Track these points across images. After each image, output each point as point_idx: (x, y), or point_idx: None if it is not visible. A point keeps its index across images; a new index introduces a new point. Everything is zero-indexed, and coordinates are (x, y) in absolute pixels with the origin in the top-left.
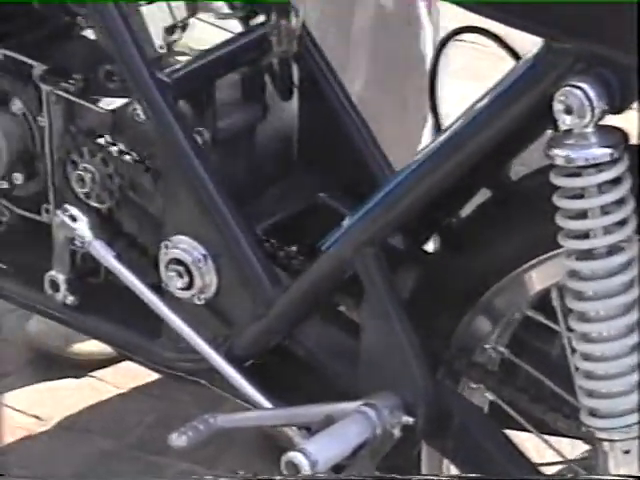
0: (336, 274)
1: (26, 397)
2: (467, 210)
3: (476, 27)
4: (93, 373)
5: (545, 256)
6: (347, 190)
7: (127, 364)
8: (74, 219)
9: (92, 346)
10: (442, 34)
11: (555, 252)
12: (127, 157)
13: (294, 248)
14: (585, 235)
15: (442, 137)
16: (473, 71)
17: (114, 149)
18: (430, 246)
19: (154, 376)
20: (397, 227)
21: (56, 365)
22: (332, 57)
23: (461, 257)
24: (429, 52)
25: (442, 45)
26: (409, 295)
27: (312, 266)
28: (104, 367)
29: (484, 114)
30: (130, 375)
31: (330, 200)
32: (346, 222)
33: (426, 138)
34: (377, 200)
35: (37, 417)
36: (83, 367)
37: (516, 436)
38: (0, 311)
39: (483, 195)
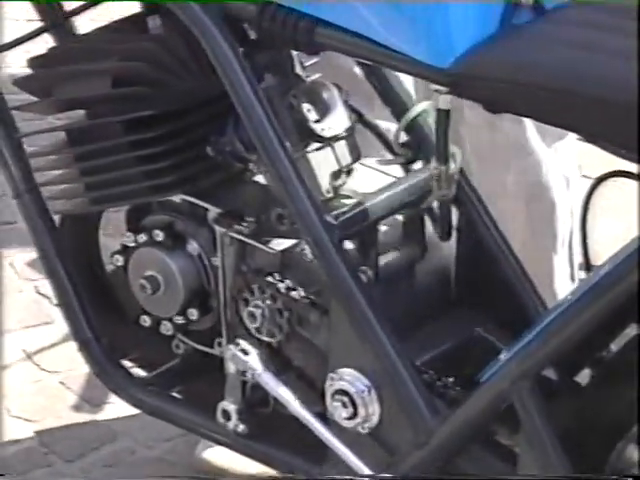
0: (493, 406)
1: None
2: (618, 343)
3: (627, 172)
4: None
5: None
6: (502, 324)
7: None
8: (245, 352)
9: (255, 468)
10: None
11: None
12: (295, 293)
13: (452, 379)
14: None
15: (593, 276)
16: (620, 209)
17: (283, 286)
18: (582, 377)
19: None
20: (552, 361)
21: None
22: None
23: (613, 388)
24: (552, 181)
25: (593, 187)
26: (563, 425)
27: (470, 398)
28: None
29: (634, 255)
30: None
31: (486, 334)
32: (502, 356)
33: (561, 268)
34: (533, 335)
35: None
36: None
37: None
38: (172, 435)
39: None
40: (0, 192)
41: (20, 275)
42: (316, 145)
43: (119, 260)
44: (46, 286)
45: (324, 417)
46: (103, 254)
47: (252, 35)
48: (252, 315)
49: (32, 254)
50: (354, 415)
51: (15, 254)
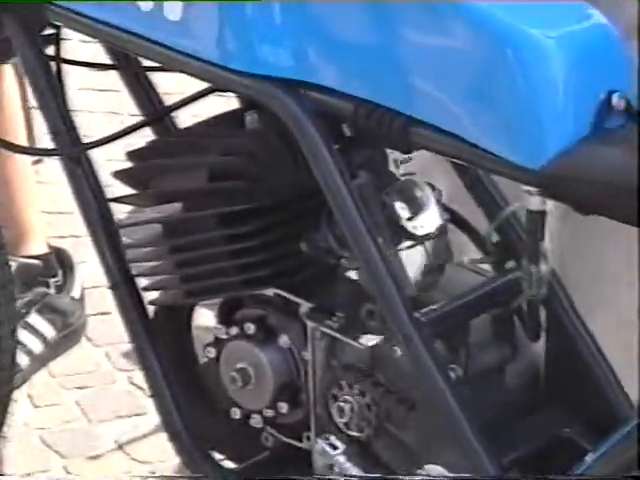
0: None
1: None
2: None
3: None
4: None
5: None
6: (590, 425)
7: None
8: (334, 447)
9: None
10: None
11: None
12: (383, 389)
13: None
14: None
15: None
16: None
17: (371, 382)
18: None
19: None
20: (639, 464)
21: None
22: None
23: None
24: None
25: None
26: None
27: None
28: None
29: None
30: None
31: (574, 435)
32: (588, 457)
33: None
34: (620, 438)
35: None
36: None
37: None
38: None
39: None
40: (95, 283)
41: (114, 365)
42: (408, 243)
43: (211, 352)
44: (140, 377)
45: None
46: (196, 346)
47: (347, 132)
48: (341, 410)
49: (127, 345)
50: None
51: (110, 345)
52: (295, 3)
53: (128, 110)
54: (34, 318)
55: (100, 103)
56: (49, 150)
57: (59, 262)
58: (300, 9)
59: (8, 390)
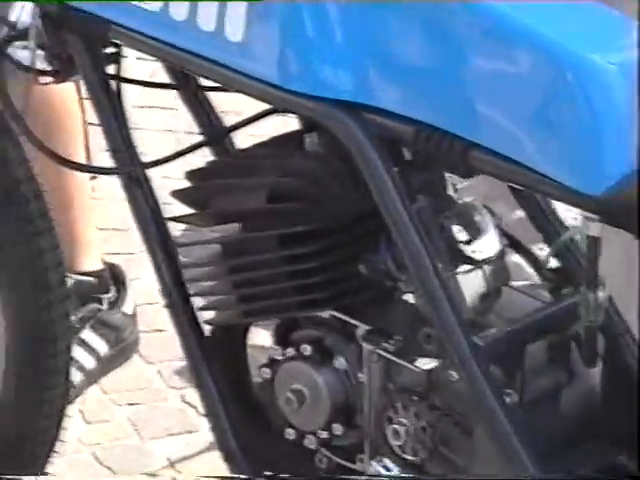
0: None
1: None
2: None
3: None
4: None
5: None
6: None
7: None
8: (388, 469)
9: None
10: None
11: None
12: (439, 413)
13: None
14: None
15: None
16: None
17: (427, 405)
18: None
19: None
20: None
21: None
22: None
23: None
24: None
25: None
26: None
27: None
28: None
29: None
30: None
31: (627, 462)
32: None
33: None
34: None
35: None
36: None
37: None
38: None
39: None
40: (149, 299)
41: (167, 383)
42: (466, 266)
43: (266, 373)
44: (192, 395)
45: None
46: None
47: (407, 155)
48: (396, 432)
49: (179, 363)
50: None
51: (163, 362)
52: (357, 25)
53: (184, 128)
54: (87, 334)
55: (156, 121)
56: (108, 169)
57: (112, 278)
58: (362, 31)
59: (62, 406)
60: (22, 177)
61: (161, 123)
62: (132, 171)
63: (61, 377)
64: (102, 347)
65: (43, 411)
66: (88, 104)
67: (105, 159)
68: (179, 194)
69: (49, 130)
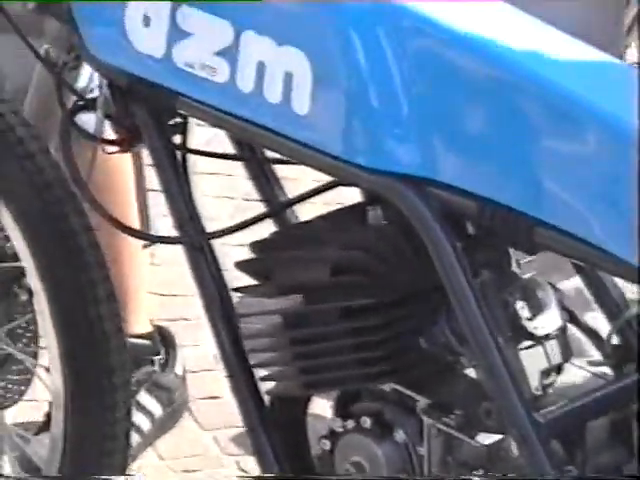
0: None
1: None
2: None
3: None
4: None
5: None
6: None
7: None
8: None
9: None
10: None
11: None
12: None
13: None
14: None
15: None
16: None
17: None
18: None
19: None
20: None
21: None
22: None
23: None
24: None
25: None
26: None
27: None
28: None
29: None
30: None
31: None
32: None
33: None
34: None
35: None
36: None
37: None
38: None
39: None
40: (205, 366)
41: (223, 450)
42: (528, 342)
43: (326, 444)
44: (248, 462)
45: None
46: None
47: (470, 230)
48: None
49: (235, 429)
50: None
51: (219, 429)
52: (423, 99)
53: (241, 195)
54: (143, 396)
55: (214, 187)
56: (173, 238)
57: (162, 340)
58: (428, 106)
59: (121, 472)
60: (85, 244)
61: (219, 189)
62: (196, 241)
63: (121, 443)
64: (157, 409)
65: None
66: (148, 171)
67: (163, 226)
68: (242, 265)
69: (108, 198)
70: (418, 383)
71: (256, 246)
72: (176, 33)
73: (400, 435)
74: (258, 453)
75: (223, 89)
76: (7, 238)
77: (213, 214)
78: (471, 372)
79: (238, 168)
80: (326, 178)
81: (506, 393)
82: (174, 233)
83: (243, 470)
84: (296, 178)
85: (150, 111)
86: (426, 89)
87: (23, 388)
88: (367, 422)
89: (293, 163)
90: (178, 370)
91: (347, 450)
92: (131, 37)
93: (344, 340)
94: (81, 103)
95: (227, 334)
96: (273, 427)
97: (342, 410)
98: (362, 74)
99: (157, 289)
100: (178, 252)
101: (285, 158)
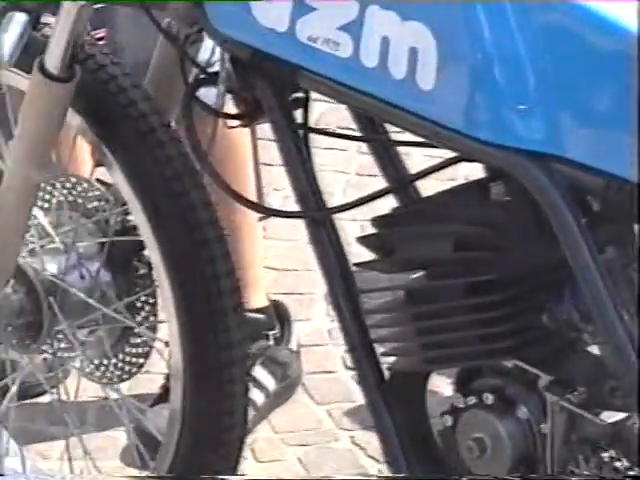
0: None
1: None
2: None
3: None
4: None
5: None
6: None
7: None
8: None
9: None
10: None
11: None
12: (623, 466)
13: None
14: None
15: None
16: None
17: (610, 457)
18: None
19: None
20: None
21: None
22: None
23: None
24: None
25: None
26: None
27: None
28: None
29: None
30: None
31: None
32: None
33: None
34: None
35: None
36: None
37: None
38: None
39: None
40: (319, 341)
41: (337, 424)
42: None
43: (448, 420)
44: (361, 437)
45: None
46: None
47: (595, 206)
48: None
49: (349, 404)
50: None
51: (332, 403)
52: (548, 74)
53: (355, 169)
54: (258, 371)
55: (327, 161)
56: (295, 212)
57: (277, 315)
58: (553, 80)
59: (239, 448)
60: (205, 220)
61: (333, 164)
62: (318, 216)
63: (239, 418)
64: (271, 383)
65: (219, 453)
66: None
67: (275, 199)
68: (364, 240)
69: (228, 171)
70: (540, 360)
71: (378, 221)
72: (300, 8)
73: (523, 412)
74: (379, 428)
75: (346, 64)
76: (127, 212)
77: (327, 189)
78: (594, 349)
79: (352, 143)
80: (439, 154)
81: (632, 372)
82: (285, 207)
83: (357, 444)
84: (407, 152)
85: (272, 85)
86: (552, 64)
87: (142, 361)
88: (489, 398)
89: (417, 145)
90: (292, 345)
91: (469, 426)
92: (255, 11)
93: (466, 316)
94: (203, 77)
95: (348, 309)
96: (393, 402)
97: (464, 386)
98: (487, 49)
99: (270, 263)
100: (288, 227)
101: (408, 140)
